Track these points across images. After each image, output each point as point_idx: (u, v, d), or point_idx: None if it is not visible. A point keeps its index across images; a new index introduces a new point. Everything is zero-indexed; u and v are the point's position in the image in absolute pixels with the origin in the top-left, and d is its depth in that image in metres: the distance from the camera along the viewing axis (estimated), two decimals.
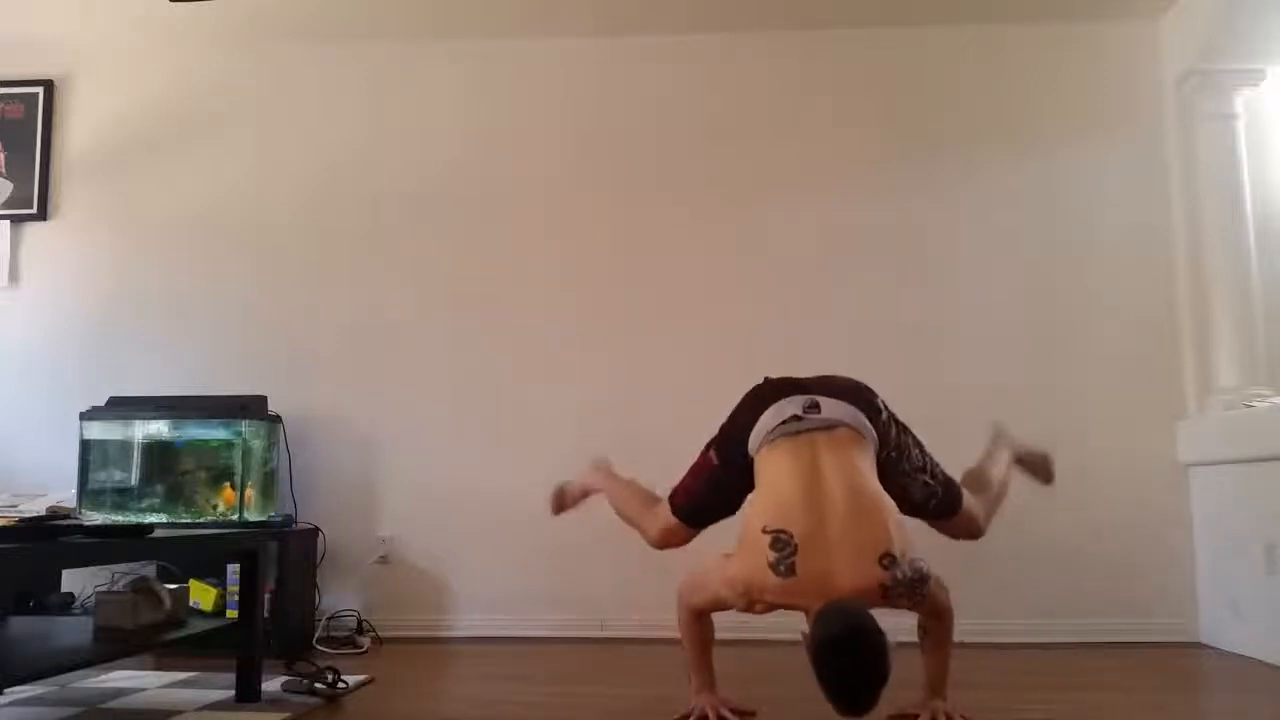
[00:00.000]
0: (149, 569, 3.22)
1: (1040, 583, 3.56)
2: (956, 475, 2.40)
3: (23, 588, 3.44)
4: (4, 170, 4.08)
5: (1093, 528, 3.58)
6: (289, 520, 3.56)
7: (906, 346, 3.71)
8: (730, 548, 2.14)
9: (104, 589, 3.20)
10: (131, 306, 3.99)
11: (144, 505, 3.53)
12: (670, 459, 2.44)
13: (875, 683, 1.83)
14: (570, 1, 3.77)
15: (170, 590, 2.49)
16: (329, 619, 3.66)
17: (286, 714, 2.38)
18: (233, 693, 2.56)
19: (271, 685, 2.65)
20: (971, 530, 2.38)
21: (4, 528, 2.01)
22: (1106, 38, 3.83)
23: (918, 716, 2.21)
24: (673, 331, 3.81)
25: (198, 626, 2.50)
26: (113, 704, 2.49)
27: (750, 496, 2.23)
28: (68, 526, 2.11)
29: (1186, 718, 2.39)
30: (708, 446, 2.38)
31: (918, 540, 2.09)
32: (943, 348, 3.72)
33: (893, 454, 2.25)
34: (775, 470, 2.16)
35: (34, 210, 4.04)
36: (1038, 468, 2.78)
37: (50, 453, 3.77)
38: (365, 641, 3.53)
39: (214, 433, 3.58)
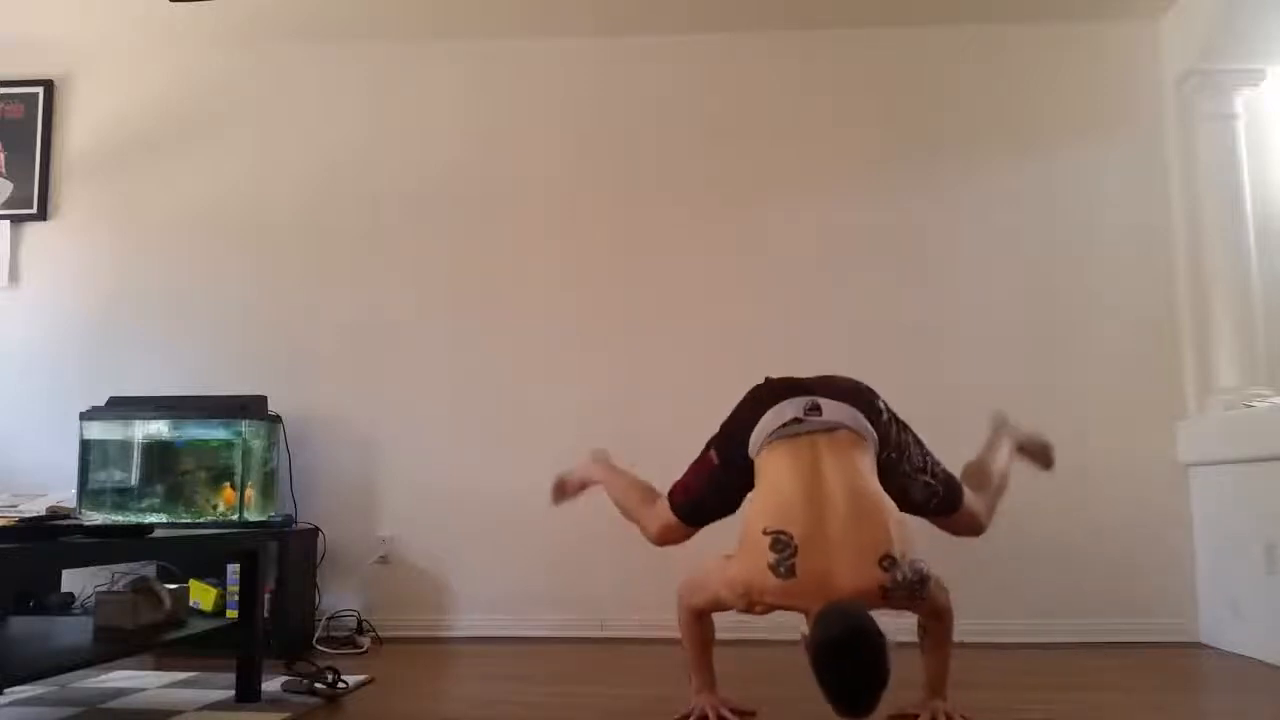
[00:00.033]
0: (149, 569, 3.22)
1: (1040, 583, 3.56)
2: (957, 472, 2.40)
3: (23, 588, 3.44)
4: (4, 170, 4.08)
5: (1093, 528, 3.58)
6: (289, 520, 3.56)
7: (906, 346, 3.71)
8: (730, 547, 2.14)
9: (104, 589, 3.20)
10: (131, 306, 3.99)
11: (144, 505, 3.53)
12: (670, 459, 2.44)
13: (875, 684, 1.83)
14: (570, 1, 3.77)
15: (170, 590, 2.49)
16: (329, 619, 3.66)
17: (286, 714, 2.38)
18: (233, 693, 2.56)
19: (271, 685, 2.65)
20: (973, 527, 2.37)
21: (4, 528, 2.01)
22: (1106, 38, 3.84)
23: (918, 716, 2.21)
24: (673, 331, 3.81)
25: (198, 626, 2.50)
26: (113, 704, 2.49)
27: (750, 497, 2.23)
28: (68, 526, 2.11)
29: (1186, 718, 2.39)
30: (708, 446, 2.38)
31: (918, 541, 2.09)
32: (943, 348, 3.72)
33: (893, 454, 2.25)
34: (775, 472, 2.16)
35: (34, 210, 4.04)
36: (1038, 454, 2.78)
37: (50, 453, 3.77)
38: (365, 641, 3.53)
39: (214, 433, 3.58)
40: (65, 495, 3.31)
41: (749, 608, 2.07)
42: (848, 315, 3.76)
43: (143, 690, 2.67)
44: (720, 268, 3.84)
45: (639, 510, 2.48)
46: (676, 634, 2.35)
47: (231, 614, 3.09)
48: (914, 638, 2.24)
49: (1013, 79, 3.86)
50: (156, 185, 4.06)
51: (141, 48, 4.10)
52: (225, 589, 3.24)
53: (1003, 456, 2.59)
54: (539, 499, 2.86)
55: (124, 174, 4.07)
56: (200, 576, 3.24)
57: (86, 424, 3.57)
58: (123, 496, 3.54)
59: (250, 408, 3.58)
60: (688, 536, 2.39)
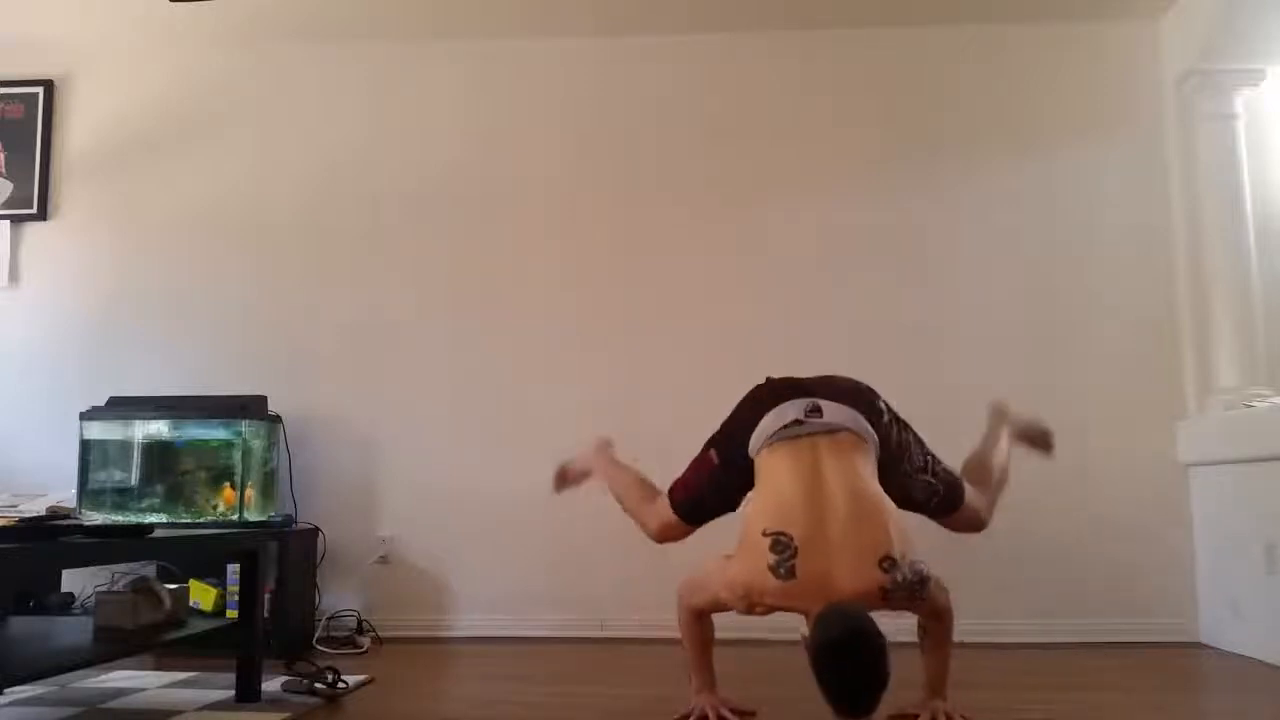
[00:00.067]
0: (149, 569, 3.22)
1: (1040, 583, 3.56)
2: (957, 468, 2.40)
3: (23, 588, 3.44)
4: (4, 170, 4.08)
5: (1093, 528, 3.58)
6: (289, 520, 3.56)
7: (906, 346, 3.71)
8: (730, 547, 2.14)
9: (104, 589, 3.20)
10: (131, 306, 3.99)
11: (144, 505, 3.53)
12: (670, 459, 2.44)
13: (875, 685, 1.83)
14: (570, 1, 3.77)
15: (170, 590, 2.49)
16: (329, 619, 3.66)
17: (286, 714, 2.38)
18: (233, 693, 2.56)
19: (271, 685, 2.65)
20: (974, 524, 2.37)
21: (4, 528, 2.01)
22: (1106, 38, 3.84)
23: (918, 716, 2.21)
24: (673, 331, 3.81)
25: (198, 626, 2.50)
26: (113, 704, 2.49)
27: (750, 497, 2.23)
28: (68, 526, 2.11)
29: (1186, 718, 2.39)
30: (708, 445, 2.37)
31: (918, 541, 2.09)
32: (943, 348, 3.72)
33: (894, 455, 2.25)
34: (775, 473, 2.16)
35: (34, 210, 4.04)
36: (1038, 441, 2.75)
37: (50, 453, 3.77)
38: (365, 641, 3.53)
39: (214, 433, 3.58)
40: (65, 495, 3.32)
41: (749, 609, 2.07)
42: (848, 315, 3.76)
43: (143, 690, 2.67)
44: (720, 268, 3.84)
45: (639, 507, 2.47)
46: (676, 634, 2.35)
47: (231, 614, 3.09)
48: (914, 638, 2.24)
49: (1013, 79, 3.86)
50: (156, 185, 4.06)
51: (141, 48, 4.10)
52: (225, 589, 3.24)
53: (1003, 450, 2.57)
54: (539, 499, 2.86)
55: (124, 174, 4.07)
56: (200, 576, 3.24)
57: (86, 424, 3.57)
58: (123, 496, 3.54)
59: (250, 408, 3.58)
60: (687, 534, 2.39)
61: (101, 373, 3.90)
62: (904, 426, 2.32)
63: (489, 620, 3.71)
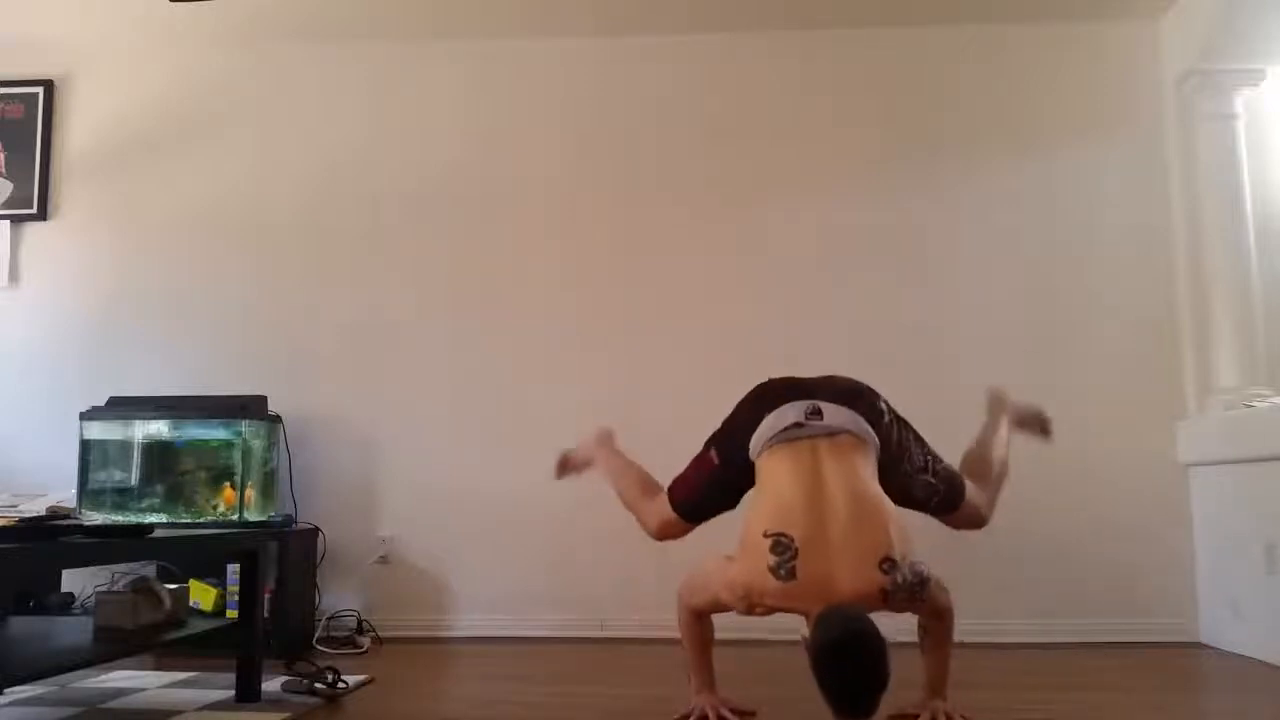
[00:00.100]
0: (149, 569, 3.23)
1: (1040, 583, 3.56)
2: (956, 465, 2.40)
3: (23, 588, 3.44)
4: (4, 170, 4.08)
5: (1093, 528, 3.58)
6: (289, 520, 3.56)
7: (906, 346, 3.71)
8: (730, 545, 2.14)
9: (104, 589, 3.20)
10: (131, 306, 3.99)
11: (144, 505, 3.53)
12: (670, 459, 2.44)
13: (875, 687, 1.83)
14: (570, 1, 3.77)
15: (170, 590, 2.49)
16: (329, 619, 3.66)
17: (286, 714, 2.38)
18: (233, 693, 2.56)
19: (271, 685, 2.65)
20: (975, 520, 2.37)
21: (4, 528, 2.01)
22: (1106, 38, 3.83)
23: (918, 716, 2.21)
24: (673, 331, 3.81)
25: (198, 626, 2.50)
26: (113, 704, 2.49)
27: (750, 498, 2.23)
28: (68, 526, 2.11)
29: (1186, 718, 2.39)
30: (708, 444, 2.37)
31: (919, 540, 2.09)
32: (943, 348, 3.72)
33: (894, 456, 2.25)
34: (776, 475, 2.16)
35: (34, 210, 4.04)
36: (1035, 425, 2.74)
37: (50, 453, 3.77)
38: (365, 641, 3.53)
39: (214, 433, 3.58)
40: (65, 495, 3.32)
41: (749, 610, 2.07)
42: (848, 315, 3.76)
43: (143, 690, 2.67)
44: (720, 268, 3.84)
45: (639, 503, 2.47)
46: (676, 634, 2.35)
47: (231, 614, 3.09)
48: (914, 638, 2.24)
49: (1013, 79, 3.86)
50: (156, 185, 4.06)
51: (141, 48, 4.10)
52: (225, 589, 3.25)
53: (1002, 441, 2.56)
54: (539, 499, 2.87)
55: (124, 174, 4.07)
56: (200, 576, 3.24)
57: (86, 424, 3.57)
58: (123, 496, 3.54)
59: (250, 408, 3.58)
60: (686, 532, 2.39)
61: (101, 373, 3.90)
62: (904, 426, 2.32)
63: (489, 620, 3.71)
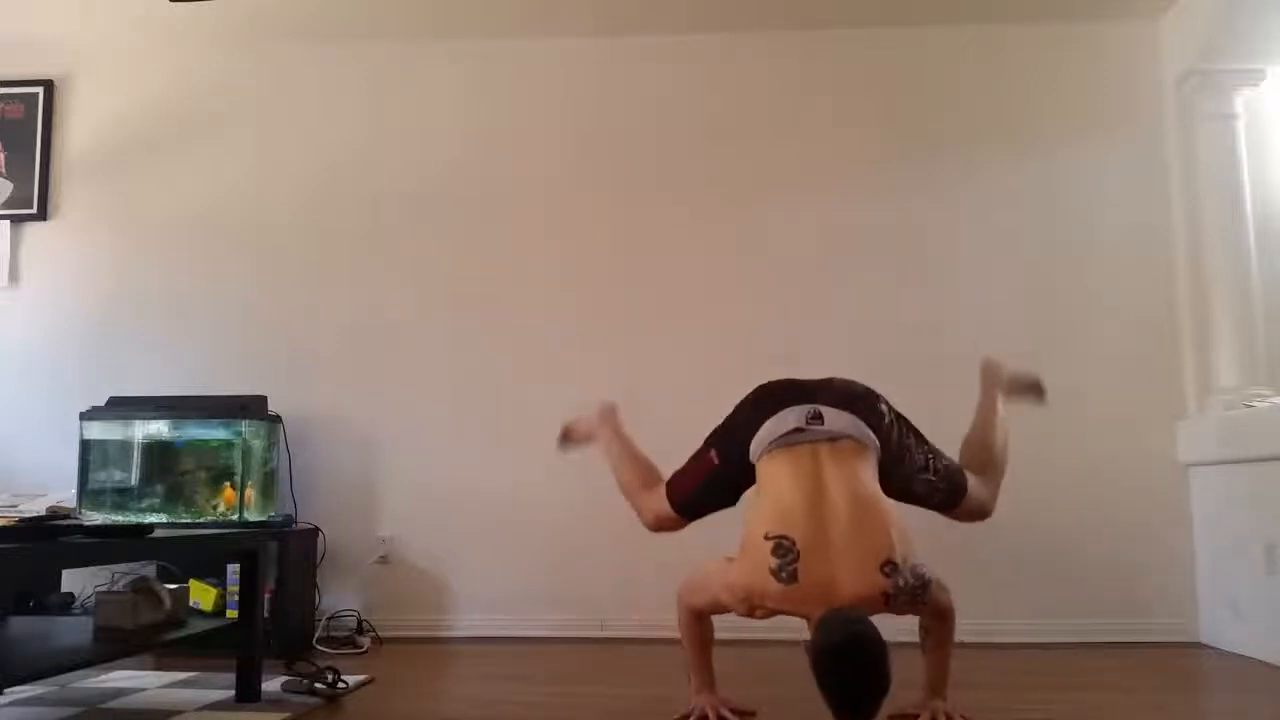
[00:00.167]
0: (149, 569, 3.23)
1: (1040, 583, 3.56)
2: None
3: (23, 588, 3.44)
4: (4, 170, 4.08)
5: (1093, 528, 3.58)
6: (289, 520, 3.56)
7: (906, 346, 3.70)
8: (728, 542, 2.14)
9: (104, 589, 3.20)
10: (131, 306, 3.99)
11: (144, 505, 3.53)
12: (670, 459, 2.44)
13: (877, 690, 1.83)
14: (570, 1, 3.77)
15: (170, 590, 2.49)
16: (329, 619, 3.66)
17: (286, 714, 2.38)
18: (233, 693, 2.56)
19: (271, 685, 2.65)
20: (978, 514, 2.36)
21: (4, 528, 2.01)
22: (1106, 38, 3.84)
23: (918, 717, 2.21)
24: (673, 331, 3.81)
25: (198, 626, 2.50)
26: (113, 704, 2.49)
27: (751, 501, 2.23)
28: (68, 526, 2.11)
29: (1186, 718, 2.39)
30: (707, 443, 2.37)
31: (919, 539, 2.09)
32: (943, 348, 3.71)
33: (895, 457, 2.25)
34: (777, 478, 2.16)
35: (34, 210, 4.04)
36: (1030, 392, 2.72)
37: (50, 453, 3.77)
38: (365, 641, 3.53)
39: (214, 433, 3.58)
40: (65, 495, 3.32)
41: (749, 611, 2.07)
42: (848, 315, 3.76)
43: (143, 690, 2.67)
44: (720, 268, 3.84)
45: (637, 493, 2.46)
46: (676, 634, 2.35)
47: (231, 614, 3.09)
48: (914, 638, 2.24)
49: (1013, 79, 3.86)
50: (156, 185, 4.06)
51: (141, 48, 4.10)
52: (225, 589, 3.24)
53: (1002, 422, 2.54)
54: (539, 499, 2.86)
55: (124, 174, 4.07)
56: (200, 576, 3.24)
57: (86, 424, 3.57)
58: (123, 496, 3.54)
59: (250, 408, 3.58)
60: (683, 526, 2.40)
61: (101, 373, 3.90)
62: (905, 426, 2.31)
63: (489, 620, 3.71)
